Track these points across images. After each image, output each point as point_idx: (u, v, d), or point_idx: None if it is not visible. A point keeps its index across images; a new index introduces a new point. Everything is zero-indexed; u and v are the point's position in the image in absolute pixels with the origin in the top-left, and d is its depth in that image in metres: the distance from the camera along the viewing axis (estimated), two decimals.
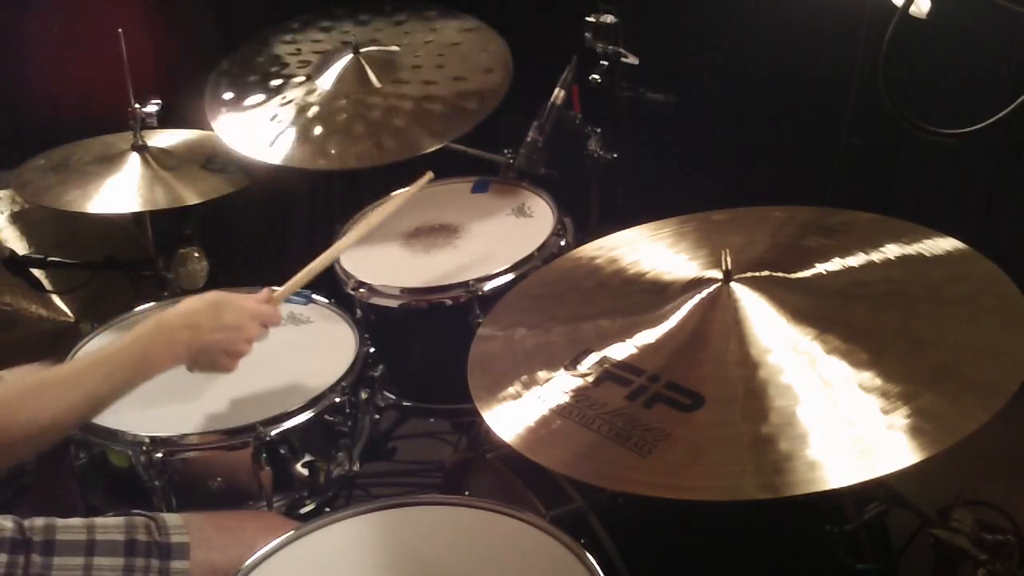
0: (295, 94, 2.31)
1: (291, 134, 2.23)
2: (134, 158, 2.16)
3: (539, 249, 2.04)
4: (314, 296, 2.04)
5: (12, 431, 1.41)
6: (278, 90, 2.33)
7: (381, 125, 2.22)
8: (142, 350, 1.54)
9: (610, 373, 1.33)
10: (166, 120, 2.20)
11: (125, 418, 1.71)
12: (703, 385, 1.26)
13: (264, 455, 1.70)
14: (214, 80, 2.41)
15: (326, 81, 2.32)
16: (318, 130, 2.22)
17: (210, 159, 2.21)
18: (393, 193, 2.04)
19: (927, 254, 1.43)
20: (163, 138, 2.26)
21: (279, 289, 1.72)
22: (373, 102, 2.28)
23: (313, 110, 2.27)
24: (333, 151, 2.19)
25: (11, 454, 1.48)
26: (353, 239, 1.83)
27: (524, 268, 2.01)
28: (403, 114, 2.25)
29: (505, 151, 2.30)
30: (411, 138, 2.20)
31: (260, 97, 2.33)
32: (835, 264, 1.43)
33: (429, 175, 1.92)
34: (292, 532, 1.42)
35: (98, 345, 1.92)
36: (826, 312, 1.33)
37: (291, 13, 2.88)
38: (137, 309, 2.03)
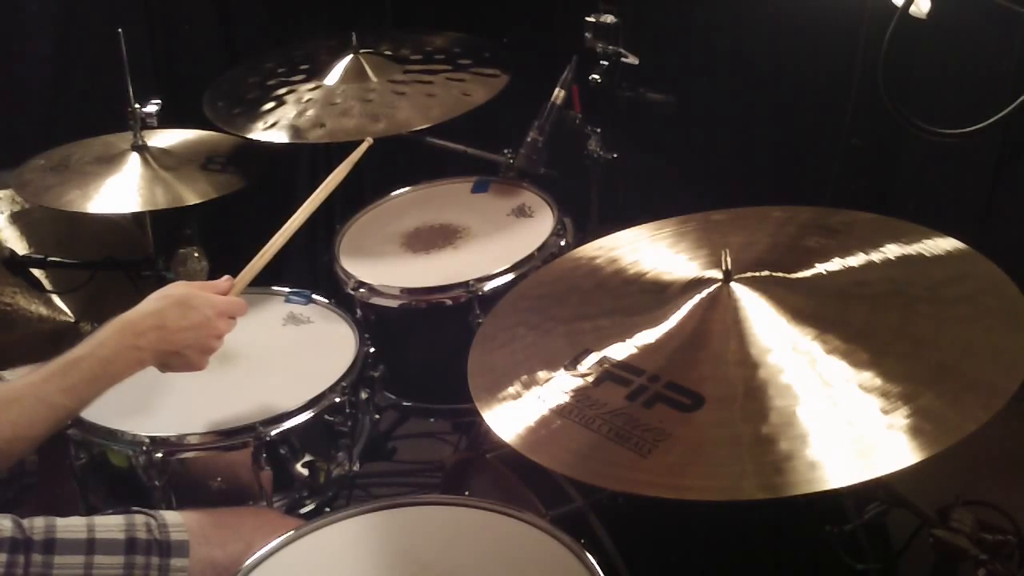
0: (294, 88, 2.33)
1: (288, 113, 2.24)
2: (134, 158, 2.15)
3: (539, 249, 2.04)
4: (314, 296, 2.04)
5: None
6: (277, 86, 2.35)
7: (376, 106, 2.23)
8: (105, 359, 1.49)
9: (610, 373, 1.33)
10: (166, 120, 2.20)
11: (125, 418, 1.71)
12: (703, 385, 1.26)
13: (264, 455, 1.70)
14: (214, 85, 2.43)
15: (326, 78, 2.33)
16: (313, 110, 2.23)
17: (210, 159, 2.21)
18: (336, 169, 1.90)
19: (927, 254, 1.42)
20: (163, 138, 2.25)
21: (238, 277, 1.66)
22: (371, 87, 2.29)
23: (311, 97, 2.28)
24: (327, 124, 2.19)
25: None
26: (302, 218, 1.72)
27: (524, 268, 2.01)
28: (399, 97, 2.25)
29: (505, 151, 2.30)
30: (406, 118, 2.20)
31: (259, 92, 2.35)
32: (835, 264, 1.43)
33: (369, 141, 1.87)
34: (292, 532, 1.42)
35: None
36: (826, 312, 1.33)
37: (291, 13, 2.89)
38: None
